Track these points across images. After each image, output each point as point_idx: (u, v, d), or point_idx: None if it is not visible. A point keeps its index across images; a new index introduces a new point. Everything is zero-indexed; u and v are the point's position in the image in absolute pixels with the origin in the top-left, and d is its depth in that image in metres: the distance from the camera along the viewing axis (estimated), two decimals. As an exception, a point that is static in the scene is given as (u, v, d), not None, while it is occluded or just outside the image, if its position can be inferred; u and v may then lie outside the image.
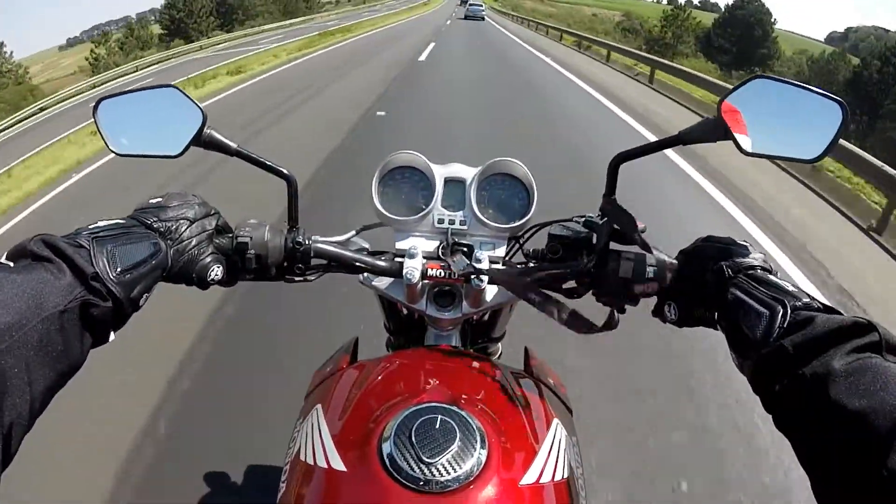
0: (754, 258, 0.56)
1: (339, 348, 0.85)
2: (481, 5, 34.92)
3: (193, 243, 0.59)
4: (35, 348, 0.39)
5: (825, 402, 0.40)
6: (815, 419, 0.41)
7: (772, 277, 0.53)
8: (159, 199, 0.60)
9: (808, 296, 0.49)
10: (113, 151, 0.66)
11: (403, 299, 0.74)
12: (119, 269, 0.47)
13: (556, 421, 0.63)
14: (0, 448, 0.36)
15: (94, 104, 0.65)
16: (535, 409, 0.64)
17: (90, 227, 0.50)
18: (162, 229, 0.56)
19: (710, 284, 0.56)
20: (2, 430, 0.36)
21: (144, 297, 0.51)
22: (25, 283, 0.40)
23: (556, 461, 0.56)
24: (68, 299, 0.42)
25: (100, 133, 0.65)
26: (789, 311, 0.47)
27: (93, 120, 0.65)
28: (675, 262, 0.63)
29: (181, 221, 0.58)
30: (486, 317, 0.91)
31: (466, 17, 31.85)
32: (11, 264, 0.42)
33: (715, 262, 0.56)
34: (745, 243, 0.58)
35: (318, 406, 0.64)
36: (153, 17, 73.91)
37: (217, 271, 0.60)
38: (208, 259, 0.60)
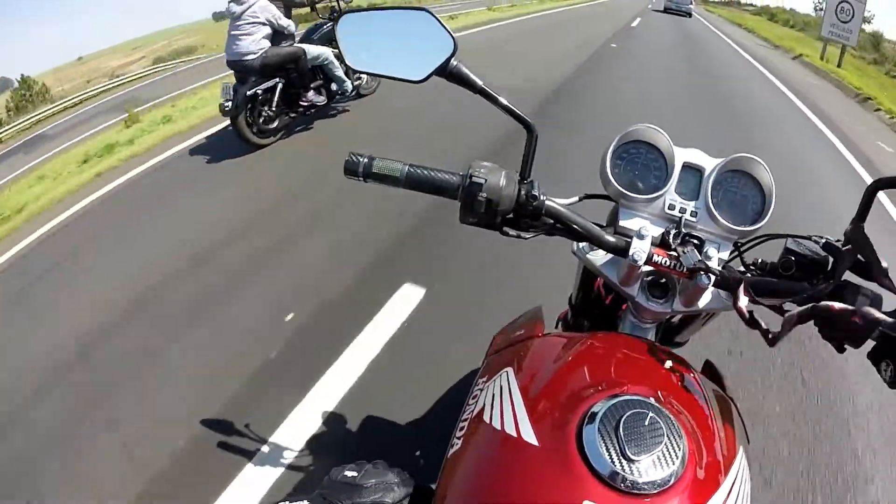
0: None
1: (525, 314, 0.84)
2: None
3: None
4: None
5: None
6: None
7: None
8: (354, 474, 0.54)
9: None
10: (350, 67, 0.69)
11: (616, 279, 0.71)
12: None
13: (741, 449, 0.59)
14: None
15: (336, 17, 0.67)
16: (727, 428, 0.60)
17: None
18: None
19: None
20: None
21: None
22: None
23: (740, 492, 0.52)
24: None
25: (339, 46, 0.69)
26: None
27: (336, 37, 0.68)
28: None
29: None
30: (679, 320, 0.86)
31: (666, 10, 22.14)
32: None
33: None
34: None
35: (509, 370, 0.62)
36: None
37: None
38: None
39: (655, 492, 0.45)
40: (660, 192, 0.69)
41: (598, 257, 0.72)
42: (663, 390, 0.56)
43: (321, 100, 4.29)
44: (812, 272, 0.63)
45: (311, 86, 4.17)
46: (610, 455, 0.46)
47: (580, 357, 0.64)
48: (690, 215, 0.69)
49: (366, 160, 0.64)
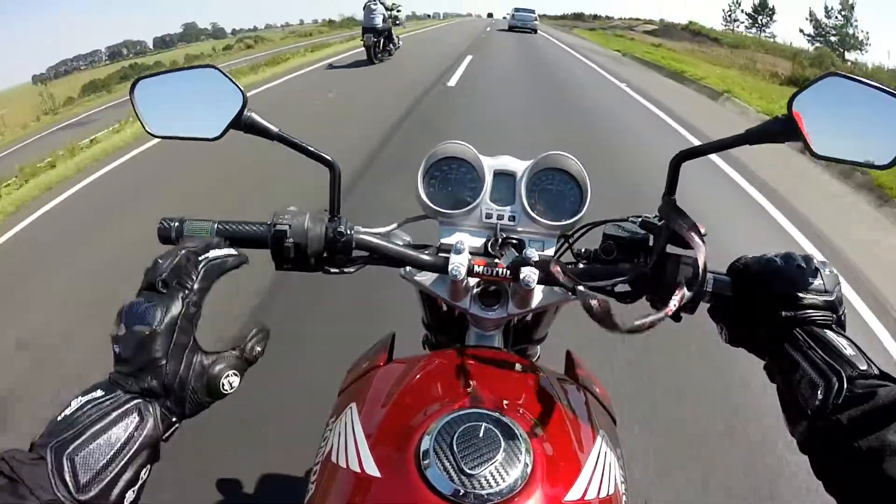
0: (815, 297, 0.52)
1: (375, 344, 0.82)
2: (532, 13, 26.24)
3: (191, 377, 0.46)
4: None
5: (880, 478, 0.40)
6: (869, 494, 0.41)
7: (830, 336, 0.50)
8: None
9: (867, 360, 0.47)
10: (149, 132, 0.64)
11: (447, 296, 0.70)
12: (84, 481, 0.38)
13: (601, 432, 0.60)
14: None
15: (131, 83, 0.64)
16: (581, 418, 0.61)
17: (58, 418, 0.41)
18: (145, 386, 0.44)
19: (764, 326, 0.54)
20: None
21: (132, 491, 0.41)
22: None
23: (602, 476, 0.54)
24: None
25: (136, 113, 0.64)
26: (845, 384, 0.45)
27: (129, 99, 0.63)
28: (727, 279, 0.60)
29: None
30: (530, 318, 0.87)
31: (511, 29, 25.06)
32: None
33: (774, 295, 0.53)
34: (810, 266, 0.54)
35: (353, 405, 0.61)
36: (126, 51, 62.34)
37: (233, 380, 0.50)
38: (217, 368, 0.48)
39: (504, 498, 0.46)
40: (474, 204, 0.70)
41: (427, 277, 0.70)
42: (503, 396, 0.56)
43: (394, 48, 11.71)
44: (634, 252, 0.65)
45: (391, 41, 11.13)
46: (449, 474, 0.46)
47: (420, 379, 0.64)
48: (508, 220, 0.70)
49: (177, 223, 0.60)
